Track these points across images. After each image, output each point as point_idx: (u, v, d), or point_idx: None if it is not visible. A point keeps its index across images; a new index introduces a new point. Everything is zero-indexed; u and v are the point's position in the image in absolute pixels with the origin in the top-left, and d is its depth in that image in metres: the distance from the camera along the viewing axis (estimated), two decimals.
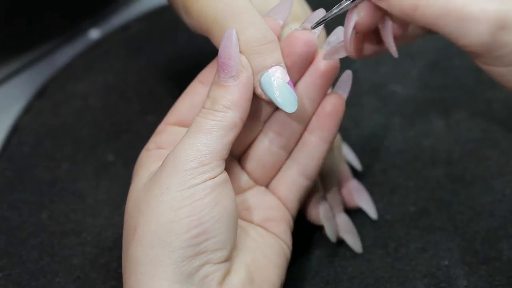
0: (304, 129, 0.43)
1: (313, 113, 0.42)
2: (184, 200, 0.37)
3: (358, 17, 0.37)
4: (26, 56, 0.62)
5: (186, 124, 0.42)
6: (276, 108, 0.42)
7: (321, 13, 0.41)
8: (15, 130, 0.56)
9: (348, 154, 0.51)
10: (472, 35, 0.33)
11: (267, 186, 0.44)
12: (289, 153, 0.43)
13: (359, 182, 0.49)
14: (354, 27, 0.38)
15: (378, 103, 0.57)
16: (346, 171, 0.49)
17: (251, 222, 0.42)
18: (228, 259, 0.38)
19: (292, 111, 0.40)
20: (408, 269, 0.46)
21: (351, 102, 0.56)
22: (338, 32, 0.42)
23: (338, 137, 0.48)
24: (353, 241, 0.47)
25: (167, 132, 0.42)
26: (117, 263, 0.47)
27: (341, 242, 0.47)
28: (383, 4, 0.36)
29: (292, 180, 0.43)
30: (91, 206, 0.51)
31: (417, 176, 0.47)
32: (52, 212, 0.50)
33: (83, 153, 0.54)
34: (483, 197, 0.49)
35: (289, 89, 0.39)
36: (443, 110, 0.55)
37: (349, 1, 0.38)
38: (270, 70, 0.39)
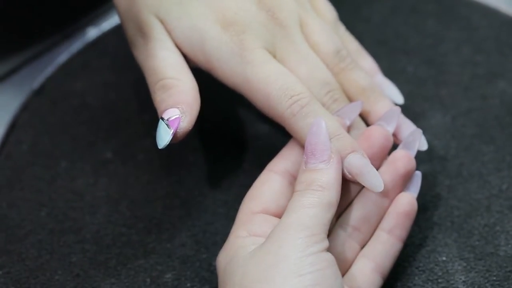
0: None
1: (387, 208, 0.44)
2: (305, 267, 0.37)
3: None
4: (24, 54, 0.62)
5: (272, 212, 0.42)
6: (352, 201, 0.44)
7: (396, 111, 0.45)
8: (13, 128, 0.56)
9: None
10: None
11: None
12: (361, 248, 0.44)
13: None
14: None
15: None
16: None
17: None
18: None
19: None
20: (406, 265, 0.46)
21: None
22: (415, 134, 0.45)
23: None
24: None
25: (257, 220, 0.42)
26: (116, 260, 0.47)
27: None
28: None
29: (368, 278, 0.42)
30: (89, 203, 0.51)
31: None
32: (51, 209, 0.50)
33: (81, 151, 0.54)
34: (480, 193, 0.49)
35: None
36: (439, 106, 0.55)
37: None
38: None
